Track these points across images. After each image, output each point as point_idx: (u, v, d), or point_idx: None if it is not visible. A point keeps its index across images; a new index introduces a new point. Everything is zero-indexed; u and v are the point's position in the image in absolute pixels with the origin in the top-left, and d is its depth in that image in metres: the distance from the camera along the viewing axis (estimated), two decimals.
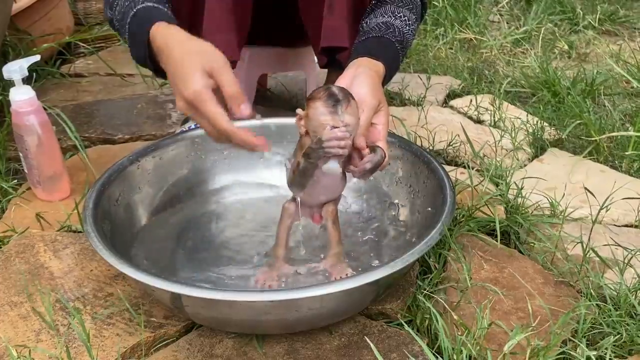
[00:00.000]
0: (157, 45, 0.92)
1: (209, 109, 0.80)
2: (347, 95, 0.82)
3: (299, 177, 0.86)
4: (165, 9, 1.01)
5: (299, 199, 0.92)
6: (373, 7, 1.09)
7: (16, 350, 0.82)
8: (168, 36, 0.90)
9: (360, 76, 0.90)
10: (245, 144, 0.82)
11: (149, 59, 0.96)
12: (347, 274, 0.91)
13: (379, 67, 0.96)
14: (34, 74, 1.62)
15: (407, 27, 1.05)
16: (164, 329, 0.88)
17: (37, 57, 1.16)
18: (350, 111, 0.81)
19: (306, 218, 0.94)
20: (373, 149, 0.86)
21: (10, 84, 1.12)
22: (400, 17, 1.05)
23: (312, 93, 0.83)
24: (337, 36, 1.13)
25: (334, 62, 1.19)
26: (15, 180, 1.24)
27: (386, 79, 0.99)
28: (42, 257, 1.03)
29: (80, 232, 1.09)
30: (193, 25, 1.14)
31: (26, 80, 1.14)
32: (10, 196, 1.20)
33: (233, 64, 1.22)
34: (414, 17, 1.07)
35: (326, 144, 0.80)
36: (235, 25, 1.14)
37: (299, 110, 0.85)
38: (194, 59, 0.83)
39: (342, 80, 0.90)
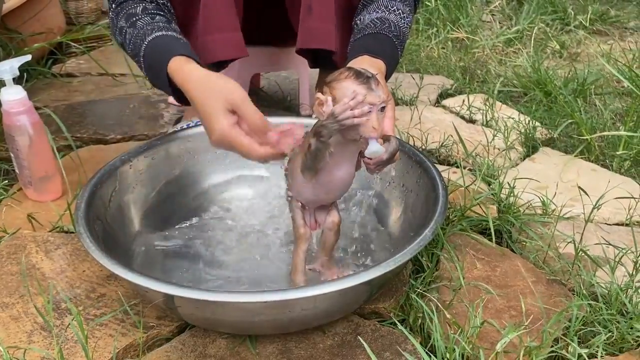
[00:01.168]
0: (178, 83, 0.93)
1: (239, 144, 0.84)
2: (372, 73, 0.77)
3: (311, 161, 0.79)
4: (176, 35, 1.00)
5: (301, 203, 0.89)
6: (365, 4, 1.08)
7: (8, 351, 0.82)
8: (186, 76, 0.91)
9: None
10: (281, 158, 0.84)
11: (173, 91, 0.97)
12: (339, 275, 0.91)
13: (379, 64, 0.94)
14: (25, 73, 1.61)
15: (403, 21, 1.03)
16: (157, 330, 0.88)
17: (28, 57, 1.15)
18: (382, 88, 0.76)
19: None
20: (387, 138, 0.82)
21: (1, 83, 1.12)
22: (394, 10, 1.03)
23: (332, 76, 0.78)
24: (316, 38, 1.11)
25: (324, 61, 1.19)
26: (6, 181, 1.23)
27: (387, 75, 0.97)
28: (34, 258, 1.02)
29: (72, 232, 1.08)
30: (186, 24, 1.14)
31: (17, 80, 1.13)
32: (2, 197, 1.19)
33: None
34: (407, 9, 1.05)
35: (341, 116, 0.73)
36: (237, 23, 1.12)
37: (319, 95, 0.77)
38: (214, 99, 0.85)
39: None
